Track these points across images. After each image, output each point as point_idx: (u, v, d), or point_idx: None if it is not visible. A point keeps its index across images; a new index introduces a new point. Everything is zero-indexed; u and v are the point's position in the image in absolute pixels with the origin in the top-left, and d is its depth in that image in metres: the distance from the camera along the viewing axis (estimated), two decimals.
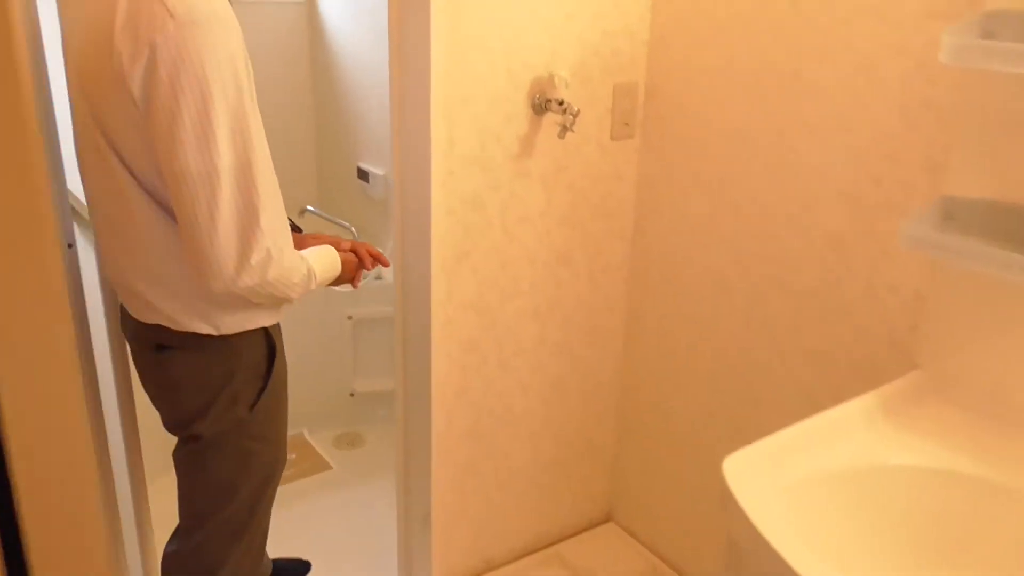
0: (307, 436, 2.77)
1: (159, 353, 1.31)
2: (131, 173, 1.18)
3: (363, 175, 2.82)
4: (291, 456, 2.63)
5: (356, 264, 1.44)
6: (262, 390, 1.33)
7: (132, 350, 1.41)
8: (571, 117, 1.52)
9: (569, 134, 1.56)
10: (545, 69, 1.57)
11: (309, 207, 2.80)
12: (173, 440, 1.38)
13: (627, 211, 1.80)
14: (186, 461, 1.36)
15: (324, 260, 1.34)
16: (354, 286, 1.46)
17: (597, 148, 1.71)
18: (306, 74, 3.18)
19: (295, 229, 1.39)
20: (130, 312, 1.32)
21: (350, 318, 2.67)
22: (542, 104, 1.58)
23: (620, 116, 1.71)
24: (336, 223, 2.79)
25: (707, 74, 1.59)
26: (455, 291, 1.62)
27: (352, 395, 2.77)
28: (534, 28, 1.53)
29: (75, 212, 1.35)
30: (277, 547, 1.61)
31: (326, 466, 2.63)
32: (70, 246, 1.32)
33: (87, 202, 1.34)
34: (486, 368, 1.72)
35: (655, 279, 1.80)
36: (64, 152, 1.23)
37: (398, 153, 1.55)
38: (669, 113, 1.69)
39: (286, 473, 2.31)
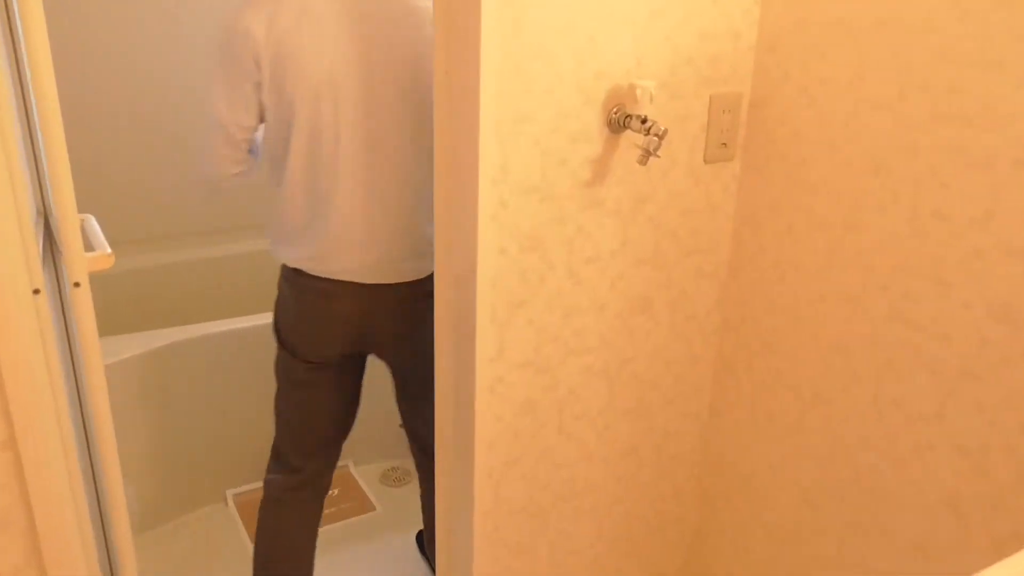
0: (352, 470, 2.54)
1: (426, 301, 1.64)
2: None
3: None
4: (333, 492, 2.40)
5: None
6: None
7: (386, 332, 1.72)
8: (656, 139, 1.21)
9: (653, 158, 1.26)
10: (625, 79, 1.27)
11: None
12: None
13: (721, 249, 1.48)
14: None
15: None
16: None
17: (687, 173, 1.39)
18: None
19: None
20: (405, 278, 1.65)
21: None
22: (620, 121, 1.28)
23: (717, 135, 1.39)
24: None
25: (830, 87, 1.26)
26: (508, 346, 1.34)
27: (402, 426, 2.52)
28: (612, 30, 1.23)
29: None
30: None
31: (370, 506, 2.39)
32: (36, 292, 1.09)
33: (365, 190, 1.56)
34: (544, 434, 1.44)
35: (753, 333, 1.48)
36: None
37: (441, 181, 1.27)
38: (779, 133, 1.36)
39: (328, 512, 2.09)
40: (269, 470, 1.81)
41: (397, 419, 2.51)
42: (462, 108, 1.21)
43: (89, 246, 1.26)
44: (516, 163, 1.24)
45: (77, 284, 1.13)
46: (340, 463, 2.53)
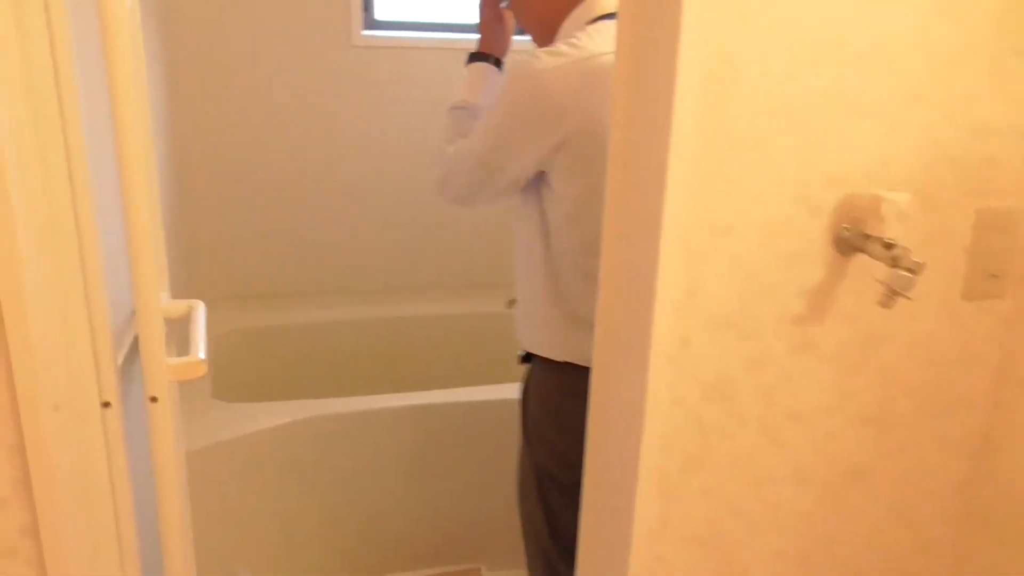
0: (485, 574, 2.27)
1: None
2: None
3: None
4: None
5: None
6: None
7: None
8: (907, 275, 0.88)
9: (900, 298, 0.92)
10: (865, 185, 0.94)
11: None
12: None
13: (976, 413, 1.10)
14: None
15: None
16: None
17: (939, 311, 1.04)
18: None
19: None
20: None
21: None
22: (853, 241, 0.95)
23: (983, 262, 1.03)
24: None
25: None
26: (674, 518, 1.02)
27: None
28: (853, 118, 0.92)
29: None
30: None
31: None
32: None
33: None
34: None
35: (1013, 529, 1.08)
36: None
37: (604, 304, 0.99)
38: None
39: None
40: None
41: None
42: (640, 208, 0.93)
43: (186, 344, 1.07)
44: (707, 288, 0.94)
45: (154, 399, 0.94)
46: (472, 565, 2.28)
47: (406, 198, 2.71)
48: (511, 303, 2.38)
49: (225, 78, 2.45)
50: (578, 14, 1.35)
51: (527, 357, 1.53)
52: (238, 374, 2.51)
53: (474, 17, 2.71)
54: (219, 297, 2.60)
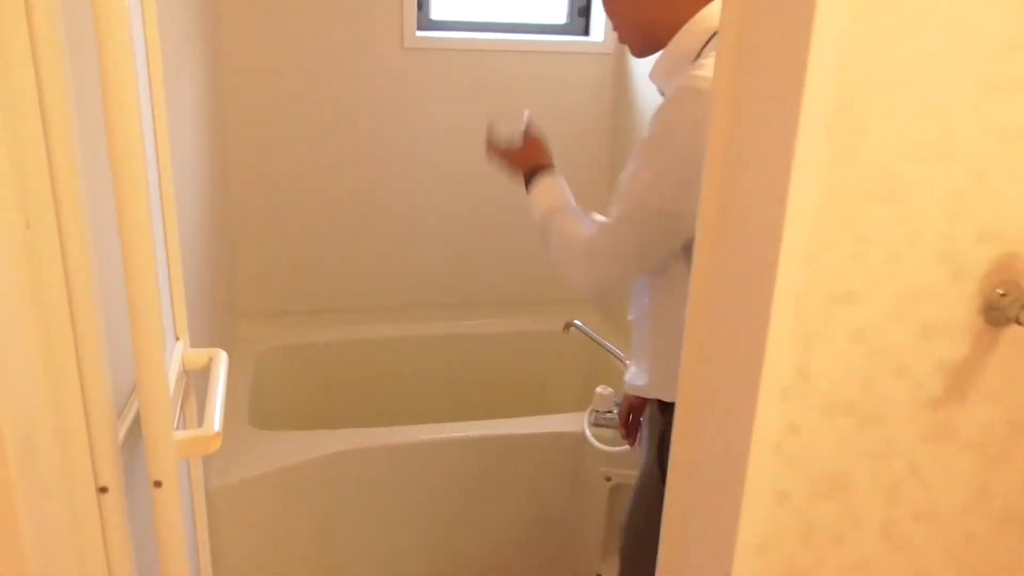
0: None
1: None
2: None
3: None
4: None
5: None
6: None
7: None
8: None
9: None
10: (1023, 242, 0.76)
11: (576, 322, 2.14)
12: None
13: None
14: None
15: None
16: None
17: None
18: (605, 136, 2.57)
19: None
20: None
21: (608, 479, 1.97)
22: (1007, 309, 0.76)
23: None
24: (604, 346, 2.11)
25: None
26: None
27: None
28: (1010, 162, 0.73)
29: None
30: None
31: None
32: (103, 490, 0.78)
33: None
34: None
35: None
36: None
37: (688, 383, 0.82)
38: None
39: None
40: None
41: (591, 568, 2.07)
42: (745, 274, 0.76)
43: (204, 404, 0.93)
44: (823, 367, 0.76)
45: (158, 484, 0.80)
46: None
47: (461, 211, 2.55)
48: (568, 327, 2.21)
49: (271, 83, 2.32)
50: (695, 26, 1.17)
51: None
52: (278, 395, 2.39)
53: (536, 15, 2.56)
54: (261, 312, 2.48)
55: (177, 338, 1.02)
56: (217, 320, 1.94)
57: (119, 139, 0.71)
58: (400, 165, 2.48)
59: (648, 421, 1.42)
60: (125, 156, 0.70)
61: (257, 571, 1.81)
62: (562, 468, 2.00)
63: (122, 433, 0.81)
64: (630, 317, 1.38)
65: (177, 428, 0.98)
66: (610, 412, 1.93)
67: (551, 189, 1.36)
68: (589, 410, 1.96)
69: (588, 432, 1.91)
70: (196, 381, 1.05)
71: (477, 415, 2.58)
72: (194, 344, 1.48)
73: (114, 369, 0.80)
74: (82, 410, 0.74)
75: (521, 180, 1.41)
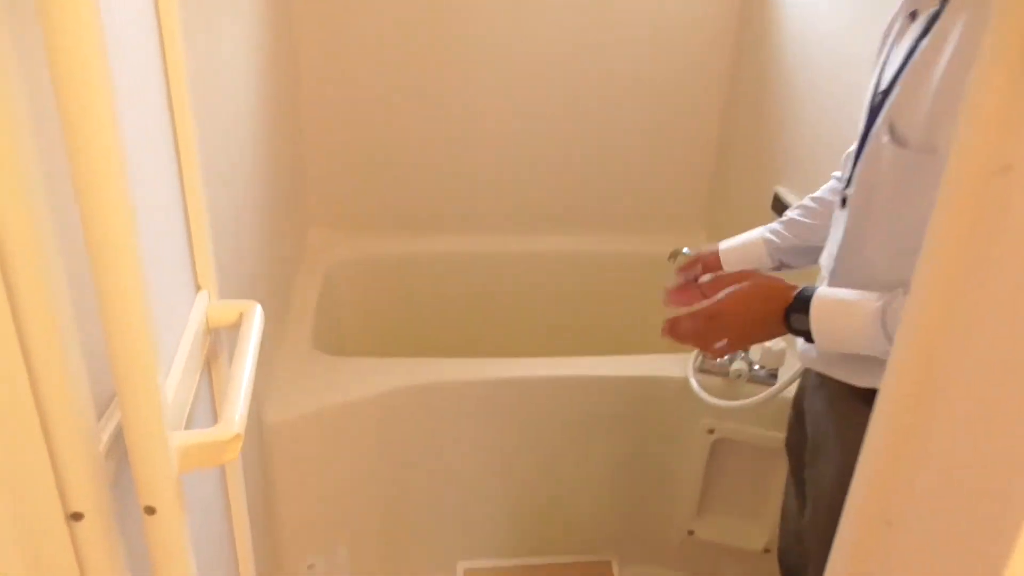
0: (616, 570, 1.94)
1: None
2: None
3: (780, 207, 1.84)
4: None
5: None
6: None
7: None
8: None
9: None
10: None
11: (685, 249, 1.86)
12: None
13: None
14: None
15: None
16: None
17: None
18: (724, 64, 2.23)
19: None
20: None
21: (711, 432, 1.74)
22: None
23: None
24: None
25: None
26: None
27: (691, 534, 1.87)
28: None
29: None
30: None
31: None
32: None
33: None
34: None
35: None
36: None
37: (874, 449, 0.56)
38: None
39: None
40: None
41: (684, 525, 1.87)
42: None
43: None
44: None
45: (151, 510, 0.60)
46: (603, 558, 1.96)
47: (565, 127, 2.25)
48: (674, 256, 1.94)
49: None
50: None
51: None
52: (350, 316, 2.21)
53: None
54: (334, 220, 2.27)
55: (200, 288, 0.81)
56: (278, 238, 1.74)
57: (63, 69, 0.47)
58: (499, 77, 2.18)
59: (840, 414, 1.15)
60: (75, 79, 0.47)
61: (320, 520, 1.67)
62: (661, 415, 1.78)
63: (105, 439, 0.61)
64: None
65: (195, 415, 0.78)
66: (718, 359, 1.69)
67: (840, 310, 1.02)
68: (695, 353, 1.72)
69: (692, 380, 1.67)
70: (219, 339, 0.84)
71: (570, 345, 2.36)
72: (243, 275, 1.28)
73: (96, 354, 0.59)
74: (35, 411, 0.54)
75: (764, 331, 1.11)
